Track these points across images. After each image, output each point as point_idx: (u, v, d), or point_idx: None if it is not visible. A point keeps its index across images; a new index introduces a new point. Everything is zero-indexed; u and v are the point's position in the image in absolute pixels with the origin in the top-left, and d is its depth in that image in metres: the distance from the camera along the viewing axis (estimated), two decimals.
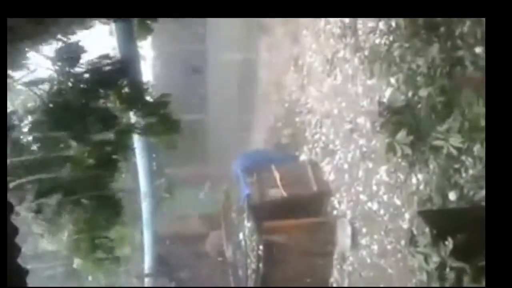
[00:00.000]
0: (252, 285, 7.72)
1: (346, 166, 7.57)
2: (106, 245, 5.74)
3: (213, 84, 13.62)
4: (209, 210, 11.10)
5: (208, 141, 13.63)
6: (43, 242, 7.33)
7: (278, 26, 10.89)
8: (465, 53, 5.08)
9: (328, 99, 8.44)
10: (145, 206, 9.63)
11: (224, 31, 12.80)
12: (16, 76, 6.02)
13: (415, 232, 5.22)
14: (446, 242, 4.10)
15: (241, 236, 8.26)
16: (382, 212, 6.51)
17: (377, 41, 6.76)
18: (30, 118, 5.76)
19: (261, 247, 7.39)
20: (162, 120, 5.79)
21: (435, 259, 4.18)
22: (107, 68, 5.70)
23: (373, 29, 6.89)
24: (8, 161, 4.94)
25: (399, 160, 5.89)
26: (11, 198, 3.31)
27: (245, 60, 12.79)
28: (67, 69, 5.77)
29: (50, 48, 6.05)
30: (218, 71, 13.37)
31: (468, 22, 5.04)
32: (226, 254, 9.74)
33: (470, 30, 5.02)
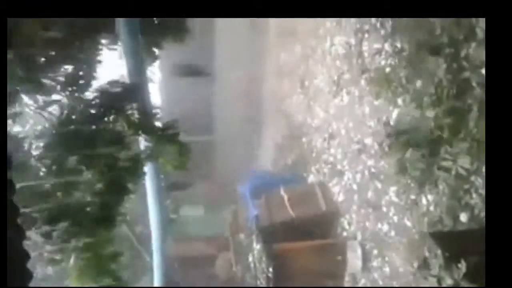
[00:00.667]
0: None
1: (355, 186, 7.56)
2: (113, 273, 5.70)
3: (220, 105, 13.73)
4: (217, 231, 11.08)
5: (215, 162, 13.68)
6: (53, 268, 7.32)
7: (284, 48, 11.05)
8: (471, 74, 5.12)
9: (335, 119, 8.48)
10: (154, 228, 9.61)
11: (230, 54, 12.99)
12: (29, 102, 6.14)
13: (427, 254, 5.19)
14: (459, 265, 4.07)
15: (250, 258, 8.22)
16: (392, 233, 6.48)
17: (382, 62, 6.83)
18: (40, 143, 5.85)
19: (270, 269, 7.34)
20: (171, 145, 5.84)
21: (448, 281, 4.15)
22: (117, 93, 5.79)
23: (378, 51, 6.97)
24: (18, 186, 4.99)
25: (408, 181, 5.89)
26: (22, 223, 3.33)
27: (252, 81, 12.91)
28: (76, 94, 5.88)
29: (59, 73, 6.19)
30: (225, 92, 13.48)
31: (473, 44, 5.09)
32: (235, 276, 9.68)
33: (475, 52, 5.06)
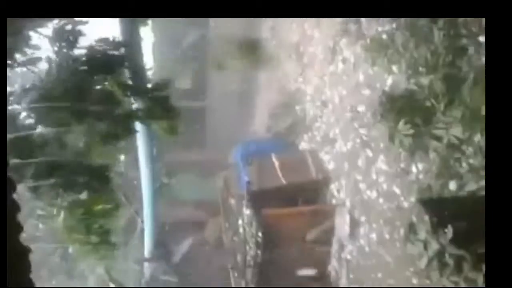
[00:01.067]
0: (250, 272, 7.76)
1: (346, 154, 7.57)
2: (100, 230, 5.70)
3: (213, 71, 13.55)
4: (208, 196, 11.12)
5: (207, 128, 13.62)
6: (42, 224, 7.34)
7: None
8: (469, 41, 5.06)
9: (329, 87, 8.41)
10: (145, 191, 9.63)
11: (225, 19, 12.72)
12: (17, 57, 5.99)
13: (414, 220, 5.24)
14: (446, 230, 4.12)
15: (240, 222, 8.29)
16: (381, 200, 6.53)
17: (379, 28, 6.72)
18: (28, 97, 5.72)
19: (260, 234, 7.42)
20: (161, 106, 5.76)
21: (434, 246, 4.21)
22: (107, 51, 5.66)
23: (374, 18, 6.85)
24: (9, 137, 4.93)
25: (399, 149, 5.89)
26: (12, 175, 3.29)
27: (246, 44, 12.71)
28: (65, 50, 5.73)
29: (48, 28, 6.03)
30: (218, 57, 13.26)
31: None
32: (224, 241, 9.78)
33: (473, 19, 4.98)
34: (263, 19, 11.77)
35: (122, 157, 10.11)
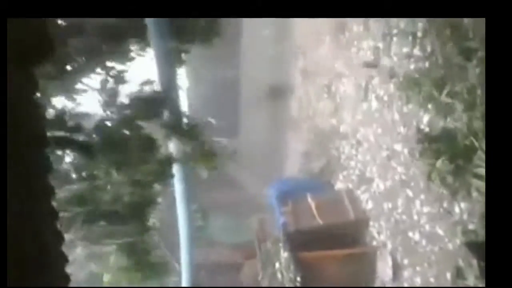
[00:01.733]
0: None
1: (384, 194, 7.40)
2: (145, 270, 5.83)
3: (246, 109, 13.76)
4: (244, 239, 11.04)
5: (240, 167, 13.68)
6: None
7: (310, 52, 10.98)
8: None
9: (363, 125, 8.35)
10: (182, 234, 9.68)
11: (257, 57, 13.02)
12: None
13: (461, 263, 5.01)
14: None
15: (277, 266, 8.13)
16: (424, 242, 6.29)
17: (412, 67, 6.68)
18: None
19: (298, 278, 7.24)
20: (199, 148, 5.89)
21: None
22: (148, 98, 5.87)
23: (407, 55, 6.83)
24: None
25: (440, 189, 5.72)
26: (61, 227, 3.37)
27: (278, 85, 12.90)
28: (109, 100, 5.99)
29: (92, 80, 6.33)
30: (251, 97, 13.51)
31: None
32: (261, 284, 9.60)
33: None
34: (293, 60, 11.96)
35: (159, 200, 10.29)
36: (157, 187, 6.15)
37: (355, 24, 8.47)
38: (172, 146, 6.16)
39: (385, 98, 7.53)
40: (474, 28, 5.31)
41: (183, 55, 7.27)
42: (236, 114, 13.83)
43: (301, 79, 11.52)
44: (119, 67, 5.95)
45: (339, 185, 9.03)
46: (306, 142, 11.05)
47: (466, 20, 5.46)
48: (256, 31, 12.97)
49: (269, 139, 13.10)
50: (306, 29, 11.29)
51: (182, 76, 12.05)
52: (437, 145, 5.73)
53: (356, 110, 8.60)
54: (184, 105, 11.69)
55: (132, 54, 6.46)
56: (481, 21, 5.24)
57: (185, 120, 6.34)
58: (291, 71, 12.12)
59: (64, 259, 2.59)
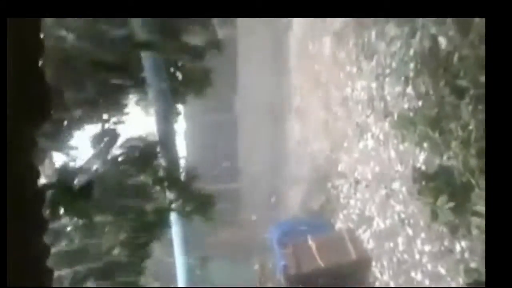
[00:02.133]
0: None
1: (385, 233, 7.34)
2: None
3: (244, 152, 13.80)
4: (244, 281, 10.83)
5: (240, 209, 13.59)
6: None
7: (307, 92, 11.15)
8: None
9: (360, 164, 8.37)
10: (180, 278, 9.50)
11: (252, 98, 13.17)
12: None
13: None
14: None
15: None
16: (427, 282, 6.19)
17: (405, 105, 6.77)
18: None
19: None
20: (196, 198, 5.85)
21: None
22: (144, 149, 5.89)
23: (400, 94, 6.94)
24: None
25: (440, 227, 5.69)
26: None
27: (275, 125, 13.00)
28: (104, 152, 6.01)
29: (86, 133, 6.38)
30: (248, 139, 13.57)
31: None
32: None
33: None
34: (288, 99, 12.13)
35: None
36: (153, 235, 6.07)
37: (349, 65, 8.65)
38: (169, 195, 6.12)
39: (381, 136, 7.59)
40: (465, 67, 5.43)
41: (179, 106, 7.40)
42: (235, 158, 13.85)
43: (298, 119, 11.64)
44: (115, 119, 6.01)
45: (339, 225, 8.97)
46: (305, 181, 11.04)
47: (456, 59, 5.60)
48: (251, 74, 13.21)
49: (268, 179, 13.07)
50: (302, 69, 11.52)
51: (180, 120, 12.21)
52: (435, 183, 5.74)
53: (353, 148, 8.65)
54: (182, 151, 11.78)
55: (128, 109, 6.56)
56: (471, 60, 5.39)
57: (180, 171, 6.33)
58: (287, 111, 12.26)
59: None
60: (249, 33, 13.34)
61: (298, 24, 11.82)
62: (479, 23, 5.16)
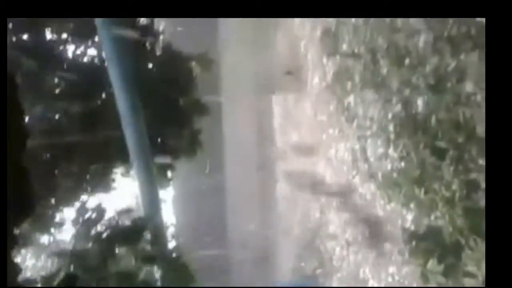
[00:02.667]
0: None
1: None
2: None
3: (233, 218, 13.68)
4: None
5: (231, 275, 13.25)
6: None
7: (293, 157, 11.27)
8: (479, 175, 5.12)
9: (350, 225, 8.34)
10: None
11: (239, 160, 13.25)
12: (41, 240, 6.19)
13: None
14: None
15: None
16: None
17: (389, 166, 6.88)
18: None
19: None
20: (179, 273, 5.72)
21: None
22: (128, 226, 5.82)
23: (383, 155, 7.06)
24: None
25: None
26: None
27: (262, 190, 12.98)
28: (87, 229, 5.92)
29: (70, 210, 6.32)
30: (236, 206, 13.51)
31: (474, 146, 5.15)
32: None
33: (478, 153, 5.11)
34: (274, 161, 12.22)
35: None
36: None
37: (331, 128, 8.84)
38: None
39: (368, 197, 7.63)
40: (442, 129, 5.60)
41: (169, 172, 7.41)
42: (224, 224, 13.69)
43: (286, 183, 11.68)
44: (99, 196, 5.99)
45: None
46: (298, 245, 10.90)
47: (433, 122, 5.77)
48: (236, 136, 13.36)
49: (260, 244, 12.88)
50: (286, 134, 11.71)
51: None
52: (425, 244, 5.73)
53: (342, 209, 8.65)
54: (170, 217, 11.62)
55: (115, 184, 6.56)
56: (447, 123, 5.56)
57: (167, 245, 6.23)
58: (275, 175, 12.32)
59: None
60: (234, 97, 13.68)
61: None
62: (453, 86, 5.39)
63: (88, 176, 6.45)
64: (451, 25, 5.22)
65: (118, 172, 7.03)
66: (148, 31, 7.20)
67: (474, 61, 4.93)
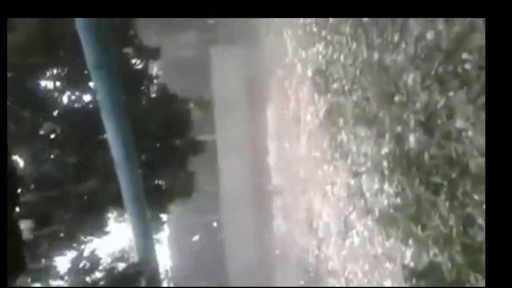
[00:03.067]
0: None
1: None
2: None
3: (230, 249, 13.53)
4: None
5: None
6: None
7: (288, 191, 11.24)
8: (474, 210, 5.12)
9: (349, 261, 8.26)
10: None
11: (235, 199, 13.18)
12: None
13: None
14: None
15: None
16: None
17: (385, 202, 6.88)
18: None
19: None
20: None
21: None
22: (123, 272, 5.73)
23: (379, 191, 7.07)
24: None
25: None
26: None
27: (259, 223, 12.88)
28: (83, 278, 5.82)
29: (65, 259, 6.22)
30: (234, 239, 13.39)
31: (468, 181, 5.18)
32: None
33: (472, 188, 5.13)
34: (270, 199, 12.18)
35: None
36: None
37: (326, 164, 8.88)
38: None
39: (366, 233, 7.59)
40: (435, 165, 5.63)
41: (163, 216, 7.36)
42: (221, 256, 13.53)
43: (282, 217, 11.62)
44: (94, 243, 5.93)
45: None
46: (296, 283, 10.73)
47: (426, 158, 5.81)
48: (231, 169, 13.36)
49: (257, 278, 12.69)
50: (281, 168, 11.72)
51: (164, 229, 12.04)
52: (425, 281, 5.67)
53: (340, 246, 8.57)
54: (165, 256, 11.45)
55: (108, 229, 6.51)
56: (441, 159, 5.60)
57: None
58: (271, 210, 12.26)
59: None
60: (227, 134, 13.75)
61: (272, 125, 12.28)
62: (443, 123, 5.46)
63: (82, 223, 6.39)
64: (439, 64, 5.34)
65: (111, 217, 6.99)
66: (143, 74, 7.32)
67: (463, 98, 5.02)
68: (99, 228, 6.36)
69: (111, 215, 7.02)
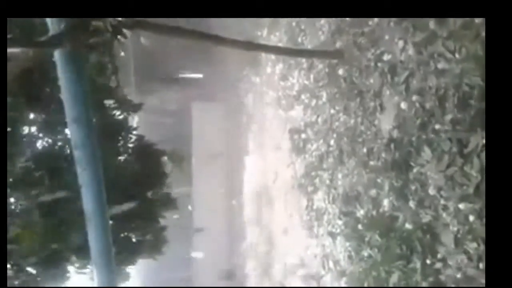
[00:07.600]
0: None
1: None
2: None
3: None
4: None
5: None
6: None
7: (262, 254, 11.08)
8: (446, 278, 5.11)
9: None
10: None
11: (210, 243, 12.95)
12: None
13: None
14: None
15: None
16: None
17: (363, 265, 6.79)
18: None
19: None
20: None
21: None
22: None
23: (352, 254, 7.01)
24: None
25: None
26: None
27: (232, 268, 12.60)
28: None
29: None
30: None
31: (441, 249, 5.20)
32: None
33: (443, 255, 5.14)
34: (243, 262, 11.91)
35: None
36: None
37: (300, 228, 8.80)
38: None
39: None
40: (408, 231, 5.64)
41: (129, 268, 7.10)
42: None
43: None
44: None
45: None
46: None
47: (400, 222, 5.83)
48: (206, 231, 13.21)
49: None
50: (255, 232, 11.61)
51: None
52: None
53: None
54: None
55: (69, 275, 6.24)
56: (415, 226, 5.60)
57: None
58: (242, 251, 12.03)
59: None
60: (201, 189, 13.74)
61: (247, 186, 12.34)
62: (416, 190, 5.54)
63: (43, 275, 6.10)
64: (414, 136, 5.50)
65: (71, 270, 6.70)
66: (121, 125, 7.27)
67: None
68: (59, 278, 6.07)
69: (75, 266, 6.72)
